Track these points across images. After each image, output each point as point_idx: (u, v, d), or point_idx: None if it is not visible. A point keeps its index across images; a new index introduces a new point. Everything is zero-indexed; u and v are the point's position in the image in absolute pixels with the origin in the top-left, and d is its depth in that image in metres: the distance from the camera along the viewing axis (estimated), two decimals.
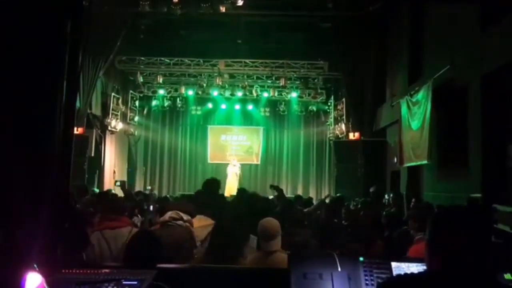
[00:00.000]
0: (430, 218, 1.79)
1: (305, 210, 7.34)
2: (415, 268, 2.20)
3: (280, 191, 8.43)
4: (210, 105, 19.15)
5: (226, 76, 16.93)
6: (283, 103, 18.71)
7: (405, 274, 1.89)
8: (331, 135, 17.73)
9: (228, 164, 17.94)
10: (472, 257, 1.63)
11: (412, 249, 4.12)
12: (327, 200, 8.90)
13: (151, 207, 5.94)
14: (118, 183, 14.95)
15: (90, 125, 14.34)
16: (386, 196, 10.18)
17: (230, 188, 16.35)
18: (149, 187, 17.23)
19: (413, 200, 8.14)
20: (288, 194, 17.30)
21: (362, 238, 4.38)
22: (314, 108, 18.69)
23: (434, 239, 1.73)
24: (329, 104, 18.07)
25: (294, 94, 17.92)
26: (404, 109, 11.21)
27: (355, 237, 4.40)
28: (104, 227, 4.11)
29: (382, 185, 12.65)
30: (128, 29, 13.98)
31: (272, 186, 9.24)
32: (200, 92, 17.88)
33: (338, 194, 11.62)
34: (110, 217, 4.25)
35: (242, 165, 18.72)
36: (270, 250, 3.58)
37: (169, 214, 4.22)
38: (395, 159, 12.23)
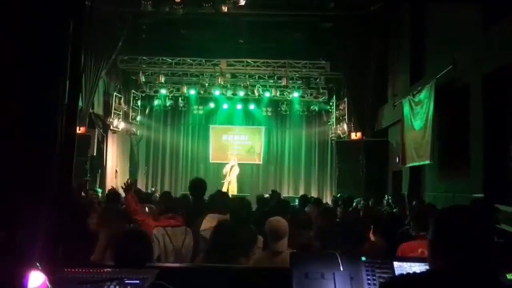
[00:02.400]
0: (432, 217, 1.77)
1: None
2: (417, 267, 2.20)
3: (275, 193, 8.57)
4: (212, 105, 19.12)
5: (228, 75, 16.94)
6: (285, 103, 18.68)
7: (408, 273, 1.88)
8: (333, 135, 17.71)
9: (226, 163, 17.91)
10: (475, 257, 1.61)
11: (404, 245, 4.09)
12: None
13: (146, 208, 5.95)
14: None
15: (92, 125, 14.36)
16: (387, 197, 10.18)
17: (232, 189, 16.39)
18: (153, 188, 17.19)
19: (415, 201, 8.12)
20: (290, 194, 17.36)
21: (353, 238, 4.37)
22: (316, 108, 18.67)
23: (436, 239, 1.71)
24: (331, 104, 18.04)
25: (296, 94, 17.89)
26: (406, 109, 11.20)
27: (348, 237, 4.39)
28: (167, 225, 4.43)
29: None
30: (130, 29, 14.01)
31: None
32: (202, 92, 17.89)
33: (339, 195, 11.63)
34: (170, 216, 4.57)
35: (244, 165, 18.70)
36: (278, 250, 3.53)
37: (224, 218, 4.37)
38: (397, 159, 12.22)
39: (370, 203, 9.87)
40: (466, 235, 1.64)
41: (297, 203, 9.58)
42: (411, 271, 2.16)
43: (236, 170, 17.50)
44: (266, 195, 10.68)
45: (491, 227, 1.74)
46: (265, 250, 3.74)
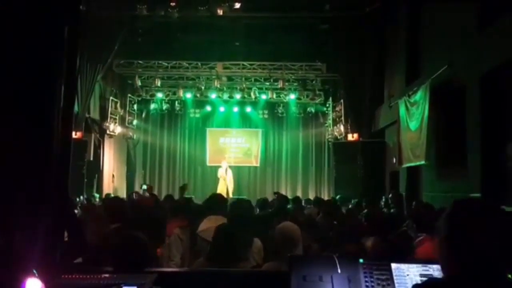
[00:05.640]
0: (445, 217, 1.58)
1: None
2: (415, 269, 2.20)
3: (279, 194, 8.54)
4: (208, 108, 19.14)
5: (224, 78, 16.94)
6: (281, 105, 18.74)
7: (422, 282, 1.80)
8: (329, 136, 17.72)
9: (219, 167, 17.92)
10: (493, 260, 1.48)
11: (423, 248, 4.09)
12: None
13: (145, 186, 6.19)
14: (144, 187, 14.91)
15: (89, 129, 14.33)
16: (384, 198, 10.17)
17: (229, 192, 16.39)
18: (144, 187, 16.22)
19: (414, 202, 8.10)
20: (288, 196, 17.33)
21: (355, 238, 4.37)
22: (313, 110, 18.68)
23: (450, 241, 1.54)
24: (327, 105, 18.06)
25: (292, 96, 17.92)
26: (402, 109, 11.22)
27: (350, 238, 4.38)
28: (186, 226, 4.87)
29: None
30: (126, 32, 13.99)
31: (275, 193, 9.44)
32: (198, 95, 17.87)
33: (337, 196, 11.62)
34: (181, 217, 5.05)
35: (241, 167, 18.67)
36: None
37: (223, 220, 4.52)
38: (394, 160, 12.23)
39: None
40: (484, 236, 1.48)
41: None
42: (409, 273, 2.16)
43: (229, 173, 17.53)
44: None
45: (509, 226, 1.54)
46: (276, 259, 3.46)
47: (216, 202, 5.34)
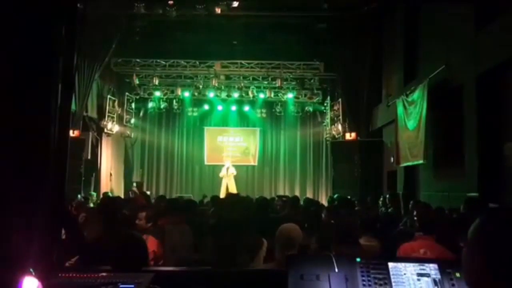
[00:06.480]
0: (478, 227, 1.31)
1: None
2: (412, 268, 2.20)
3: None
4: (206, 107, 19.15)
5: (222, 77, 16.95)
6: (279, 104, 18.74)
7: None
8: (327, 135, 17.74)
9: (222, 165, 17.99)
10: None
11: (406, 246, 4.06)
12: None
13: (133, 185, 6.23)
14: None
15: (86, 128, 14.32)
16: (382, 197, 10.18)
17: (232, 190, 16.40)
18: (147, 192, 15.64)
19: (412, 201, 8.10)
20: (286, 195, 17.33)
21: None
22: (311, 109, 18.72)
23: (484, 255, 1.27)
24: (325, 104, 18.08)
25: (290, 95, 17.93)
26: (400, 109, 11.23)
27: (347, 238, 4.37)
28: (178, 222, 4.98)
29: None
30: (124, 31, 13.98)
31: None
32: (196, 94, 17.89)
33: (335, 195, 11.62)
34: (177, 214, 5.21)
35: (239, 166, 18.67)
36: None
37: None
38: (392, 159, 12.24)
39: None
40: None
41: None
42: (406, 272, 2.16)
43: (231, 170, 17.54)
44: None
45: None
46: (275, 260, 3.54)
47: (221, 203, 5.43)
